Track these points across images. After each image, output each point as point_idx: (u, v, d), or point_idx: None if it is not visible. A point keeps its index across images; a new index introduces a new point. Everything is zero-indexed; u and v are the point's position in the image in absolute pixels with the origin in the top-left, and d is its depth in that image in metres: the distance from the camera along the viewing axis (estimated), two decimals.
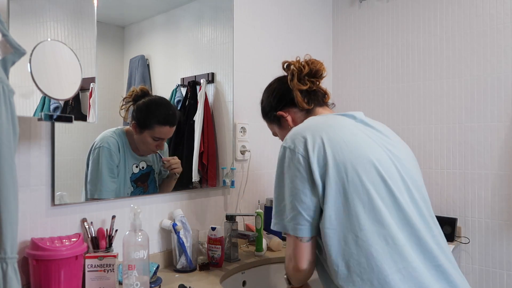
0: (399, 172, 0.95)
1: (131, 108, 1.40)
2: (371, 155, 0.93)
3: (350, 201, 0.89)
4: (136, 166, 1.41)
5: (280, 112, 1.15)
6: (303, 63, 1.13)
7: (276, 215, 0.97)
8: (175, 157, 1.52)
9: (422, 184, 1.01)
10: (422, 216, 0.94)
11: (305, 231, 0.93)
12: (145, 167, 1.43)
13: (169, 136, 1.48)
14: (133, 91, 1.41)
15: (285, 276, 1.07)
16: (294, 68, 1.13)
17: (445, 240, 0.97)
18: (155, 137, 1.42)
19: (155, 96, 1.48)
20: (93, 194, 1.27)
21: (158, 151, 1.46)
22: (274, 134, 1.26)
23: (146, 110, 1.41)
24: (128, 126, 1.40)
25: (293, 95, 1.12)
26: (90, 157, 1.27)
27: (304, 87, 1.10)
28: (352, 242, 0.88)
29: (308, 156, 0.92)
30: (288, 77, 1.14)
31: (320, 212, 0.93)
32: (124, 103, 1.38)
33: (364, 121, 1.04)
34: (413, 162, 1.03)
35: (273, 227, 0.98)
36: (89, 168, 1.27)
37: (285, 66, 1.17)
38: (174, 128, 1.48)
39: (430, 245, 0.91)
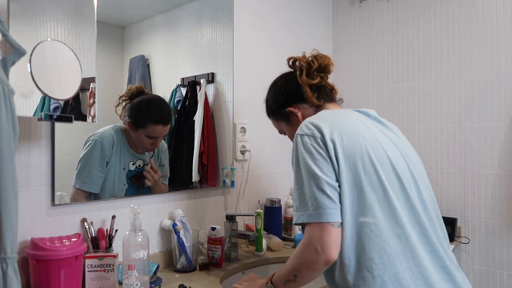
0: (411, 171, 0.96)
1: (128, 106, 1.40)
2: (387, 151, 0.93)
3: (366, 194, 0.87)
4: (133, 164, 1.41)
5: (290, 108, 1.13)
6: (311, 58, 1.11)
7: (299, 208, 0.90)
8: (155, 169, 1.49)
9: (429, 184, 1.01)
10: (429, 217, 0.94)
11: (336, 215, 0.85)
12: (141, 165, 1.43)
13: (163, 134, 1.47)
14: (129, 90, 1.41)
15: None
16: (303, 64, 1.11)
17: (448, 242, 0.97)
18: (149, 135, 1.42)
19: (150, 94, 1.47)
20: (76, 183, 1.25)
21: (154, 149, 1.46)
22: (281, 132, 1.23)
23: (139, 109, 1.41)
24: (119, 112, 1.40)
25: (302, 91, 1.10)
26: (83, 148, 1.27)
27: (314, 82, 1.09)
28: (365, 236, 0.86)
29: (325, 140, 0.90)
30: (297, 72, 1.12)
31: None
32: (120, 101, 1.38)
33: (378, 118, 1.04)
34: (421, 163, 1.04)
35: (297, 221, 0.90)
36: (80, 158, 1.27)
37: (290, 63, 1.15)
38: (168, 126, 1.48)
39: (437, 246, 0.91)
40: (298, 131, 0.95)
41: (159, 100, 1.51)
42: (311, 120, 0.96)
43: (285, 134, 1.22)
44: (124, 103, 1.39)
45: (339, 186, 0.88)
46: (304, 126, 0.95)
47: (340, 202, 0.88)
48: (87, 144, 1.28)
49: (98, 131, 1.30)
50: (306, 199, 0.88)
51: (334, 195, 0.87)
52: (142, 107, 1.43)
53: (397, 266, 0.85)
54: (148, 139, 1.43)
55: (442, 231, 0.96)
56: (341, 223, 0.87)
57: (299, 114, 1.12)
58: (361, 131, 0.94)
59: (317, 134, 0.91)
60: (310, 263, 0.87)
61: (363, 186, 0.88)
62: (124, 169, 1.38)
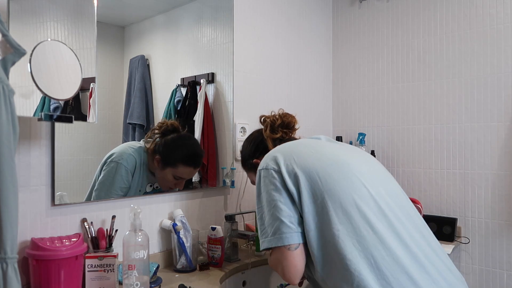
0: (366, 167, 1.00)
1: (159, 141, 1.39)
2: (339, 158, 0.98)
3: (326, 200, 0.91)
4: (151, 186, 1.40)
5: (256, 160, 1.25)
6: (276, 116, 1.27)
7: (261, 235, 0.97)
8: None
9: (391, 176, 1.05)
10: (390, 208, 0.94)
11: (290, 238, 0.92)
12: (158, 187, 1.44)
13: (190, 177, 1.47)
14: (163, 123, 1.41)
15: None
16: (268, 121, 1.27)
17: (421, 232, 0.95)
18: (177, 176, 1.42)
19: (184, 133, 1.49)
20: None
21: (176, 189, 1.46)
22: (252, 182, 1.32)
23: (172, 147, 1.40)
24: (148, 145, 1.39)
25: (266, 143, 1.23)
26: (105, 168, 1.27)
27: (276, 136, 1.23)
28: (334, 237, 0.88)
29: (280, 169, 0.97)
30: (263, 128, 1.27)
31: (302, 219, 0.95)
32: (151, 134, 1.38)
33: (330, 139, 1.12)
34: (375, 159, 1.08)
35: (262, 248, 0.97)
36: (101, 178, 1.27)
37: (262, 120, 1.30)
38: (198, 169, 1.48)
39: (404, 236, 0.90)
40: (259, 167, 1.03)
41: (193, 141, 1.52)
42: (267, 154, 1.04)
43: None
44: (155, 137, 1.38)
45: (301, 203, 0.93)
46: (262, 161, 1.04)
47: (304, 216, 0.92)
48: (111, 166, 1.28)
49: (117, 151, 1.30)
50: (266, 227, 0.96)
51: (290, 220, 0.93)
52: (176, 146, 1.41)
53: (369, 259, 0.86)
54: (173, 179, 1.42)
55: (408, 221, 0.94)
56: (308, 234, 0.92)
57: None
58: (310, 148, 1.01)
59: (271, 166, 0.99)
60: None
61: (323, 193, 0.92)
62: (140, 190, 1.37)
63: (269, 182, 0.97)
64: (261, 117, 1.31)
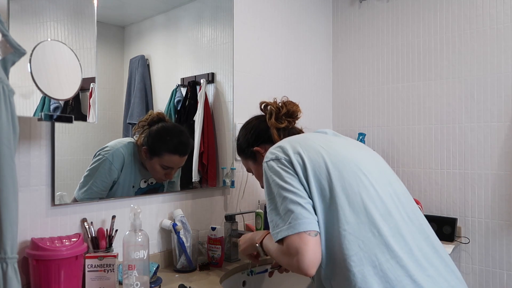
0: (375, 166, 0.99)
1: (146, 132, 1.39)
2: (348, 155, 0.96)
3: (335, 196, 0.89)
4: (145, 181, 1.40)
5: (257, 148, 1.20)
6: (280, 104, 1.22)
7: (276, 226, 0.90)
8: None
9: (398, 178, 1.04)
10: (398, 209, 0.93)
11: (313, 224, 0.86)
12: (154, 183, 1.43)
13: (179, 166, 1.46)
14: (149, 115, 1.40)
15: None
16: (273, 108, 1.21)
17: (425, 234, 0.94)
18: (164, 165, 1.41)
19: (170, 123, 1.48)
20: (77, 195, 1.24)
21: (166, 180, 1.45)
22: (248, 170, 1.30)
23: (157, 137, 1.39)
24: (137, 138, 1.39)
25: (270, 132, 1.19)
26: (93, 159, 1.27)
27: (281, 125, 1.18)
28: (339, 236, 0.87)
29: (290, 159, 0.93)
30: (267, 116, 1.22)
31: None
32: (139, 126, 1.38)
33: (336, 134, 1.10)
34: (382, 160, 1.07)
35: (276, 238, 0.90)
36: (87, 169, 1.26)
37: (262, 106, 1.25)
38: (185, 158, 1.47)
39: (408, 238, 0.89)
40: (264, 159, 0.99)
41: (178, 129, 1.50)
42: (273, 146, 1.01)
43: (252, 173, 1.29)
44: (143, 129, 1.38)
45: (311, 196, 0.90)
46: (268, 153, 1.00)
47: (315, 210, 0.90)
48: (97, 159, 1.27)
49: (109, 145, 1.30)
50: (281, 216, 0.89)
51: (308, 206, 0.89)
52: (160, 135, 1.40)
53: (373, 261, 0.85)
54: (162, 169, 1.41)
55: (412, 222, 0.94)
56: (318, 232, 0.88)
57: (265, 154, 1.15)
58: (319, 142, 0.98)
59: (281, 156, 0.95)
60: (291, 269, 0.88)
61: (332, 190, 0.90)
62: (133, 187, 1.37)
63: (281, 170, 0.93)
64: (262, 103, 1.24)
